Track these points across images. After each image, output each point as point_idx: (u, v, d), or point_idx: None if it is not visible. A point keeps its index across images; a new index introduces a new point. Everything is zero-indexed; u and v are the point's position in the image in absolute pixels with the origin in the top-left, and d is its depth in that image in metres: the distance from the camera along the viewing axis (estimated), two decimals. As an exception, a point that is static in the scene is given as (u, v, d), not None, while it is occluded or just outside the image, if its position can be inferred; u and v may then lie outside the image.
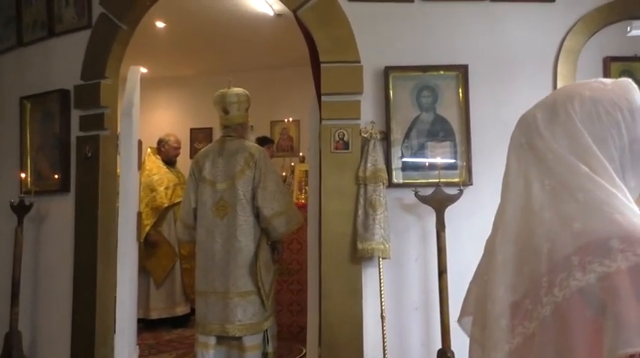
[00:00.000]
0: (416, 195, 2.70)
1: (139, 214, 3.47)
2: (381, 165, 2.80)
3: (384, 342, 2.73)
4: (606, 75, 2.78)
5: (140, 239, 3.55)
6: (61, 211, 3.42)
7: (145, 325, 4.81)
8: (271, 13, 4.85)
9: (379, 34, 2.93)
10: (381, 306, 2.75)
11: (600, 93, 0.89)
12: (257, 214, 3.01)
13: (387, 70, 2.88)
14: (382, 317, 2.74)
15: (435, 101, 2.89)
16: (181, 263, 5.04)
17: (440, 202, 2.68)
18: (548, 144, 0.90)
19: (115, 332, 3.14)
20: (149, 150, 5.08)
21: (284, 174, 5.82)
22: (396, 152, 2.86)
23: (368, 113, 2.89)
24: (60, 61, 3.53)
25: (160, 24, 5.14)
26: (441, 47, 2.92)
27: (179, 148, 5.26)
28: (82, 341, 3.21)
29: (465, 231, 2.72)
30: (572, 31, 2.88)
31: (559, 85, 2.80)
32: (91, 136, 3.33)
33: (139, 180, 3.77)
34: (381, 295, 2.75)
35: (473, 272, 1.04)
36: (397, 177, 2.86)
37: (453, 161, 2.85)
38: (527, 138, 0.94)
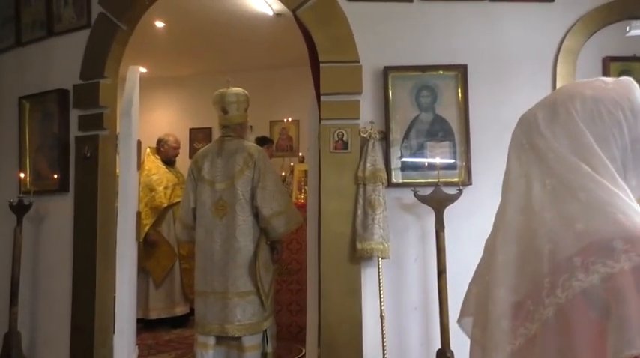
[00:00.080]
0: (415, 195, 2.70)
1: (138, 214, 3.46)
2: (381, 165, 2.80)
3: (383, 342, 2.73)
4: (605, 75, 2.78)
5: (139, 239, 3.55)
6: (60, 211, 3.42)
7: (144, 325, 4.81)
8: (270, 13, 4.85)
9: (378, 33, 2.93)
10: (381, 306, 2.75)
11: (602, 93, 0.89)
12: (256, 214, 3.01)
13: (387, 70, 2.88)
14: (381, 317, 2.74)
15: (435, 101, 2.89)
16: (180, 263, 5.04)
17: (439, 202, 2.68)
18: (549, 143, 0.89)
19: (114, 332, 3.14)
20: (148, 149, 5.08)
21: (283, 174, 5.82)
22: (395, 152, 2.86)
23: (367, 113, 2.89)
24: (59, 61, 3.53)
25: (159, 24, 5.13)
26: (440, 47, 2.92)
27: (178, 148, 5.26)
28: (81, 341, 3.21)
29: (464, 230, 2.72)
30: (571, 31, 2.88)
31: (558, 85, 2.80)
32: (90, 136, 3.32)
33: (138, 180, 3.77)
34: (380, 295, 2.75)
35: (472, 272, 1.03)
36: (396, 177, 2.85)
37: (452, 161, 2.85)
38: (528, 137, 0.93)
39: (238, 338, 2.96)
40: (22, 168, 3.59)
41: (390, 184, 2.83)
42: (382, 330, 2.73)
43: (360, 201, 2.79)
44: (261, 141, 5.18)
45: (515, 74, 2.89)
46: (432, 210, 2.69)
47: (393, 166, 2.85)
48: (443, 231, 2.65)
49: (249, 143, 3.25)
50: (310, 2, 2.93)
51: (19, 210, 3.39)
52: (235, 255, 2.96)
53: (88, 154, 3.30)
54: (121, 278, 3.18)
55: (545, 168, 0.89)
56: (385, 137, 2.87)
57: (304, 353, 3.76)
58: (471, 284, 1.03)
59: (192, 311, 4.39)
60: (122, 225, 3.21)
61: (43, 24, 3.60)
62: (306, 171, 4.75)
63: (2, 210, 3.52)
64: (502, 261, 0.89)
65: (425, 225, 2.83)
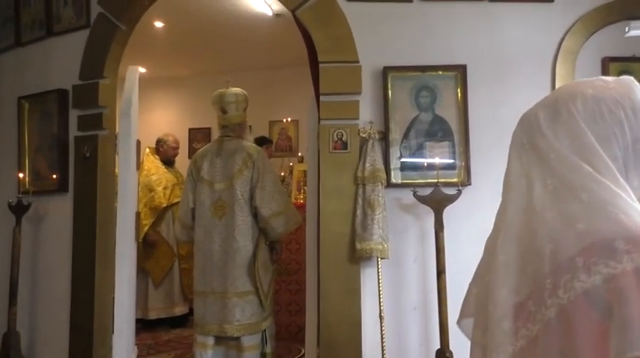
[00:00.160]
0: (414, 195, 2.70)
1: (138, 214, 3.46)
2: (380, 165, 2.80)
3: (382, 342, 2.73)
4: (605, 75, 2.78)
5: (139, 239, 3.54)
6: (59, 211, 3.42)
7: (143, 325, 4.80)
8: (270, 13, 4.85)
9: (378, 34, 2.93)
10: (380, 306, 2.75)
11: (603, 92, 0.88)
12: (255, 214, 3.01)
13: (386, 70, 2.88)
14: (381, 317, 2.74)
15: (434, 101, 2.89)
16: (180, 263, 5.03)
17: (438, 202, 2.68)
18: (551, 143, 0.89)
19: (113, 332, 3.13)
20: (147, 150, 5.08)
21: (282, 174, 5.82)
22: (394, 152, 2.86)
23: (366, 113, 2.89)
24: (58, 61, 3.52)
25: (158, 24, 5.13)
26: (439, 47, 2.92)
27: (177, 148, 5.26)
28: (80, 342, 3.21)
29: (463, 231, 2.72)
30: (570, 32, 2.88)
31: (557, 85, 2.80)
32: (89, 136, 3.32)
33: (138, 180, 3.76)
34: (379, 295, 2.75)
35: (472, 273, 1.03)
36: (396, 177, 2.85)
37: (451, 161, 2.85)
38: (529, 137, 0.93)
39: (237, 339, 2.95)
40: (21, 168, 3.59)
41: (389, 184, 2.83)
42: (381, 330, 2.73)
43: (360, 201, 2.79)
44: (261, 141, 5.18)
45: (514, 74, 2.89)
46: (432, 211, 2.69)
47: (392, 166, 2.85)
48: (442, 231, 2.65)
49: (249, 143, 3.25)
50: (310, 2, 2.93)
51: (18, 210, 3.39)
52: (234, 255, 2.96)
53: (88, 154, 3.29)
54: (120, 278, 3.17)
55: (546, 168, 0.88)
56: (384, 137, 2.87)
57: (303, 354, 3.76)
58: (470, 285, 1.02)
59: (191, 311, 4.39)
60: (121, 225, 3.20)
61: (43, 24, 3.60)
62: (305, 172, 4.75)
63: (1, 210, 3.52)
64: (503, 261, 0.88)
65: (424, 225, 2.83)
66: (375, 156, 2.81)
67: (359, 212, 2.78)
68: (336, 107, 2.88)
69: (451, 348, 2.58)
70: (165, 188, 4.92)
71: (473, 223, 2.67)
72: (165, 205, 4.91)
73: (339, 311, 2.79)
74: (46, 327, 3.43)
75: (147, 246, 4.78)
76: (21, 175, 3.55)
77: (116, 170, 3.37)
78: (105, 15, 3.33)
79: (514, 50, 2.91)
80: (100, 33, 3.35)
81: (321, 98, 2.91)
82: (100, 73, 3.30)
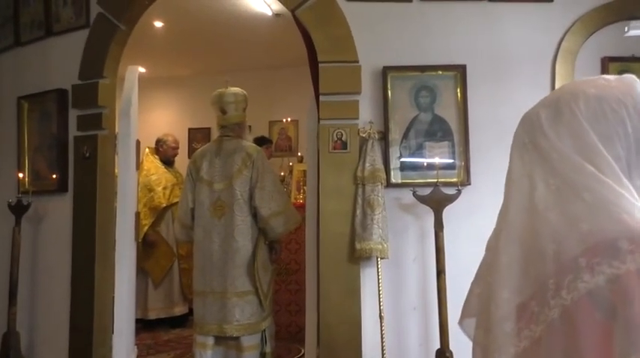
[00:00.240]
0: (414, 194, 2.70)
1: (137, 214, 3.46)
2: (380, 165, 2.80)
3: (382, 342, 2.73)
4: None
5: (138, 239, 3.54)
6: (58, 211, 3.42)
7: (143, 325, 4.80)
8: (269, 13, 4.85)
9: (377, 33, 2.93)
10: (380, 306, 2.75)
11: (605, 91, 0.88)
12: (255, 214, 3.01)
13: (386, 70, 2.88)
14: (380, 317, 2.74)
15: (434, 101, 2.89)
16: (179, 263, 5.03)
17: (438, 202, 2.68)
18: (553, 143, 0.88)
19: (113, 332, 3.14)
20: (147, 150, 5.07)
21: (282, 174, 5.82)
22: (394, 152, 2.86)
23: (366, 113, 2.89)
24: (58, 61, 3.52)
25: (158, 24, 5.13)
26: (439, 47, 2.92)
27: (177, 148, 5.26)
28: (80, 342, 3.21)
29: (463, 230, 2.72)
30: (570, 31, 2.88)
31: (557, 85, 2.80)
32: (88, 136, 3.32)
33: (137, 180, 3.76)
34: (379, 295, 2.75)
35: (471, 272, 1.02)
36: (395, 177, 2.85)
37: (451, 161, 2.85)
38: (531, 137, 0.92)
39: (237, 338, 2.95)
40: (20, 168, 3.58)
41: (389, 184, 2.83)
42: (381, 330, 2.73)
43: (359, 201, 2.79)
44: (260, 141, 5.17)
45: (514, 74, 2.89)
46: (431, 210, 2.69)
47: (392, 166, 2.84)
48: (442, 231, 2.65)
49: (248, 143, 3.25)
50: (309, 2, 2.92)
51: (18, 210, 3.39)
52: (234, 255, 2.96)
53: (87, 154, 3.29)
54: (120, 278, 3.17)
55: (548, 168, 0.88)
56: (384, 137, 2.87)
57: (303, 354, 3.76)
58: (472, 285, 1.01)
59: (191, 311, 4.39)
60: (121, 225, 3.20)
61: (42, 24, 3.60)
62: (305, 171, 4.75)
63: (1, 210, 3.52)
64: (505, 261, 0.87)
65: (424, 225, 2.83)
66: (374, 156, 2.81)
67: (359, 212, 2.78)
68: (335, 107, 2.88)
69: (451, 348, 2.58)
70: (164, 188, 4.92)
71: (472, 223, 2.67)
72: (164, 205, 4.91)
73: (339, 311, 2.78)
74: (45, 327, 3.43)
75: (146, 246, 4.78)
76: (20, 175, 3.55)
77: (116, 170, 3.37)
78: (104, 15, 3.33)
79: (514, 50, 2.91)
80: (100, 33, 3.34)
81: (321, 98, 2.91)
82: (99, 72, 3.29)
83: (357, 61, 2.89)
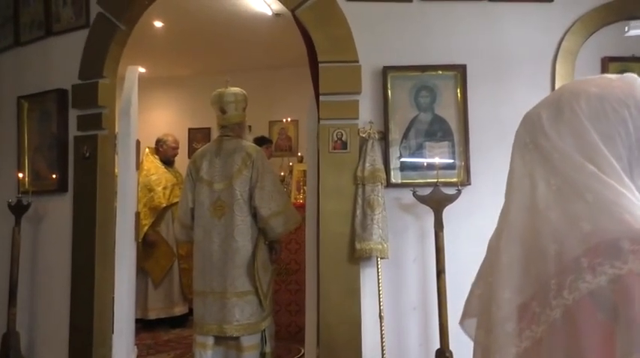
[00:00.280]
0: (414, 194, 2.69)
1: (137, 214, 3.46)
2: (380, 165, 2.80)
3: (382, 342, 2.73)
4: (604, 75, 2.78)
5: (138, 239, 3.54)
6: (58, 211, 3.41)
7: (143, 325, 4.81)
8: (269, 13, 4.85)
9: (377, 33, 2.93)
10: (380, 306, 2.75)
11: (606, 90, 0.87)
12: (254, 214, 3.01)
13: (386, 70, 2.87)
14: (380, 317, 2.74)
15: (434, 101, 2.89)
16: (179, 263, 5.03)
17: (438, 202, 2.68)
18: (554, 143, 0.88)
19: (113, 332, 3.14)
20: (147, 150, 5.07)
21: (282, 174, 5.82)
22: (394, 152, 2.86)
23: (366, 113, 2.89)
24: (57, 61, 3.52)
25: (158, 23, 5.13)
26: (439, 47, 2.92)
27: (177, 148, 5.26)
28: (80, 342, 3.21)
29: (463, 230, 2.72)
30: (570, 31, 2.88)
31: (557, 85, 2.80)
32: (88, 136, 3.32)
33: (137, 180, 3.76)
34: (379, 295, 2.75)
35: (471, 272, 1.02)
36: (395, 177, 2.85)
37: (451, 161, 2.84)
38: (532, 137, 0.92)
39: (237, 338, 2.95)
40: (20, 168, 3.58)
41: (389, 184, 2.82)
42: (381, 330, 2.73)
43: (359, 201, 2.79)
44: (260, 141, 5.17)
45: (514, 74, 2.89)
46: (431, 210, 2.69)
47: (392, 166, 2.84)
48: (442, 231, 2.65)
49: (248, 143, 3.24)
50: (309, 2, 2.92)
51: (18, 210, 3.39)
52: (234, 255, 2.96)
53: (87, 154, 3.29)
54: (120, 278, 3.17)
55: (550, 167, 0.87)
56: (384, 137, 2.86)
57: (303, 354, 3.76)
58: (473, 285, 1.01)
59: (191, 311, 4.39)
60: (121, 225, 3.20)
61: (42, 24, 3.60)
62: (305, 171, 4.75)
63: (1, 210, 3.52)
64: (506, 261, 0.87)
65: (424, 225, 2.83)
66: (374, 156, 2.81)
67: (358, 212, 2.78)
68: (335, 107, 2.88)
69: (451, 348, 2.58)
70: (164, 188, 4.93)
71: (472, 223, 2.67)
72: (164, 205, 4.91)
73: (339, 311, 2.78)
74: (45, 327, 3.43)
75: (146, 246, 4.78)
76: (20, 175, 3.55)
77: (116, 170, 3.37)
78: (104, 15, 3.33)
79: (514, 50, 2.91)
80: (100, 33, 3.34)
81: (321, 98, 2.91)
82: (99, 72, 3.29)
83: (357, 61, 2.89)
